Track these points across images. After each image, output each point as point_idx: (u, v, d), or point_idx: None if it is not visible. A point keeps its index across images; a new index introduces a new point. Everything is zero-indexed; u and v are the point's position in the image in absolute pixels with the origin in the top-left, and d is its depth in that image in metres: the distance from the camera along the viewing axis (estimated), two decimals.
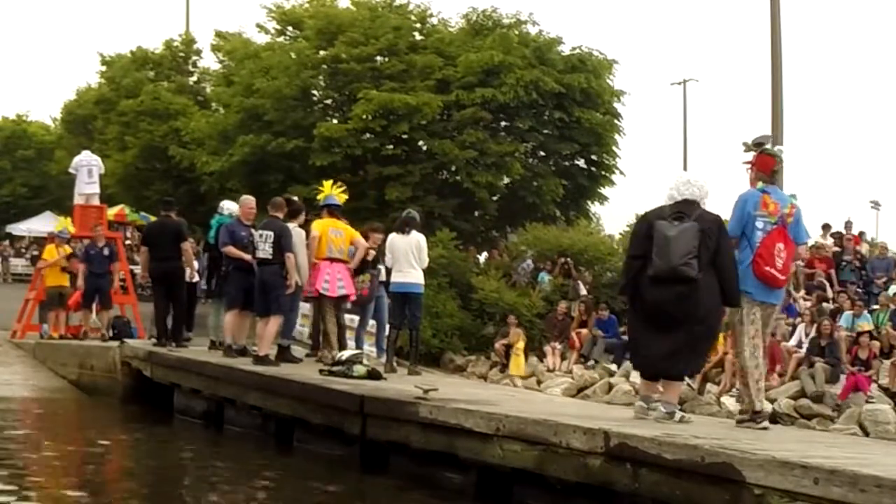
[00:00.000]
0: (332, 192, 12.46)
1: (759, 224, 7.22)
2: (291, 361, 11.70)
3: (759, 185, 7.45)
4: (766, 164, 7.49)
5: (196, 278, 14.02)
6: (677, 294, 6.90)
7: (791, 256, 7.35)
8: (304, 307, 14.25)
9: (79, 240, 17.40)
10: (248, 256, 11.71)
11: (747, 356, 7.25)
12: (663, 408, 7.34)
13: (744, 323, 7.23)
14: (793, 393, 14.00)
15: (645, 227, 7.11)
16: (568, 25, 74.95)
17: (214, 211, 13.80)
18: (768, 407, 7.53)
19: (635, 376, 13.45)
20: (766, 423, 7.54)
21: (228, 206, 13.27)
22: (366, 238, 12.73)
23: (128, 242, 28.94)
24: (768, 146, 7.73)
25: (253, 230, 12.02)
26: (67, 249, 17.00)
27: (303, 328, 16.05)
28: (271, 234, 11.29)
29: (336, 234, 11.89)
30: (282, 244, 11.17)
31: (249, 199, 12.56)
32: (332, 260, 11.74)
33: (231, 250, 11.83)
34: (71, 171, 18.94)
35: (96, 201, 18.38)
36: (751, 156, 7.63)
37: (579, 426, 6.54)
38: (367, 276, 12.63)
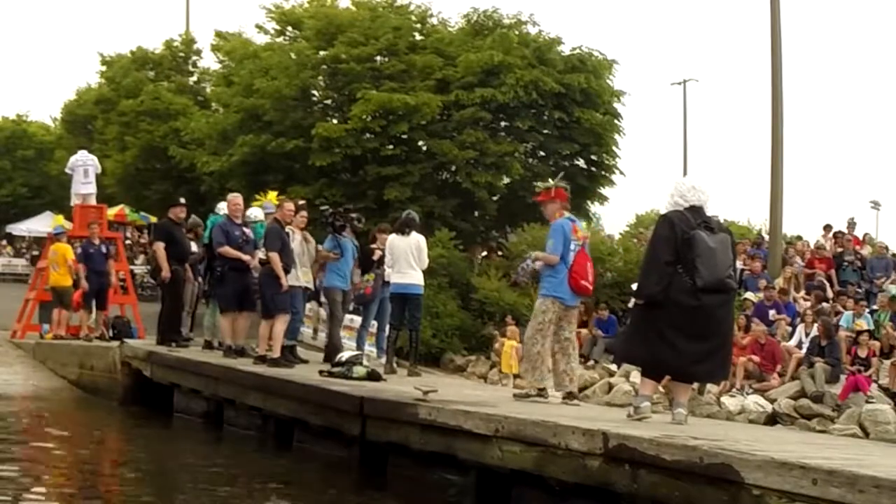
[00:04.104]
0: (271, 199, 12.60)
1: (572, 246, 8.94)
2: (295, 362, 11.70)
3: (567, 214, 9.15)
4: (564, 195, 9.24)
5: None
6: (720, 302, 7.14)
7: (593, 271, 9.22)
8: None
9: (77, 239, 17.39)
10: (246, 257, 11.73)
11: (548, 347, 8.91)
12: (683, 410, 7.52)
13: (552, 322, 8.87)
14: (793, 393, 14.01)
15: (679, 234, 7.09)
16: (568, 25, 74.85)
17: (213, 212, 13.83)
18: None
19: (635, 376, 13.47)
20: (550, 398, 9.05)
21: (224, 208, 13.29)
22: (373, 239, 12.76)
23: (128, 242, 28.97)
24: (560, 183, 9.38)
25: (246, 229, 12.08)
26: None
27: (306, 329, 16.08)
28: (264, 235, 11.49)
29: None
30: (264, 244, 11.33)
31: (237, 197, 12.57)
32: None
33: (227, 251, 11.83)
34: (67, 171, 18.93)
35: (93, 201, 18.35)
36: (552, 191, 9.23)
37: (578, 427, 6.55)
38: (372, 275, 12.65)
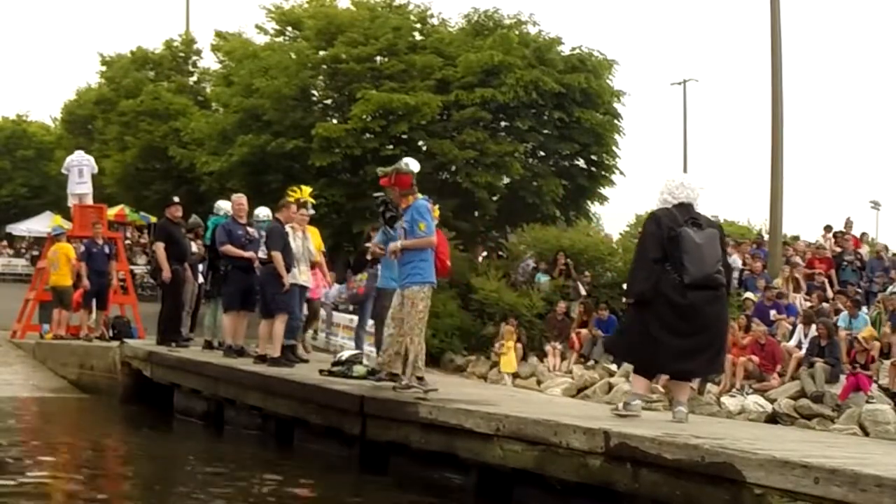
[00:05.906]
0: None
1: (433, 227, 8.86)
2: (295, 361, 11.69)
3: (420, 196, 8.99)
4: (405, 182, 9.03)
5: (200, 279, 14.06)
6: (710, 298, 7.12)
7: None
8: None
9: (77, 239, 17.38)
10: (247, 254, 11.75)
11: (421, 335, 8.71)
12: (684, 409, 7.51)
13: (425, 308, 8.68)
14: (793, 393, 14.00)
15: (665, 231, 7.10)
16: (568, 25, 74.96)
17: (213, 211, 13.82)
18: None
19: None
20: (431, 387, 8.64)
21: (224, 207, 13.28)
22: (368, 238, 12.73)
23: (128, 242, 28.95)
24: (402, 167, 9.11)
25: (250, 229, 12.10)
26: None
27: None
28: (265, 234, 11.49)
29: None
30: (266, 244, 11.31)
31: (240, 197, 12.63)
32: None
33: (229, 249, 11.88)
34: (63, 171, 18.94)
35: (89, 201, 18.35)
36: (391, 178, 9.07)
37: (579, 426, 6.54)
38: (365, 275, 12.62)
